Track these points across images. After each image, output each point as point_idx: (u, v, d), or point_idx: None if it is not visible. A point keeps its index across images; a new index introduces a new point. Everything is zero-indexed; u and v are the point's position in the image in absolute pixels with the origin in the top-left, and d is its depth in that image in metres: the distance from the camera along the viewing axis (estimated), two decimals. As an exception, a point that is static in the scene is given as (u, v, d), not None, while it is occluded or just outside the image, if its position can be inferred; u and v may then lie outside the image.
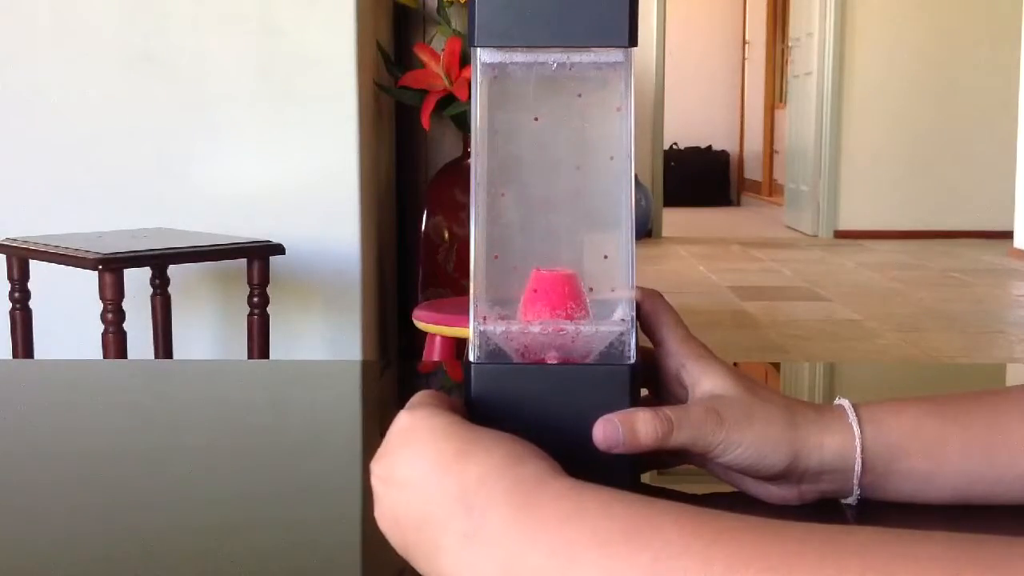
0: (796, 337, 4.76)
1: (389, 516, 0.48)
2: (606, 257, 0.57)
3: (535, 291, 0.55)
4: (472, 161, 0.55)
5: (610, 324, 0.55)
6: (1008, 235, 7.56)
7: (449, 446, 0.47)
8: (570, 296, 0.55)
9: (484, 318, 0.55)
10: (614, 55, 0.56)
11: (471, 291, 0.55)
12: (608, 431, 0.53)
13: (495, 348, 0.55)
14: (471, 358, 0.54)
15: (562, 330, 0.54)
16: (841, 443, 0.56)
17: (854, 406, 0.57)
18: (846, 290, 6.01)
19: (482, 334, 0.54)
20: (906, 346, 4.62)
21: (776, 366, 2.07)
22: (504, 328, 0.54)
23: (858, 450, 0.56)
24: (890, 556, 0.36)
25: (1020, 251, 7.35)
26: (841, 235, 8.30)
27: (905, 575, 0.35)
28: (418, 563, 0.47)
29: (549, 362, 0.55)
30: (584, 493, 0.43)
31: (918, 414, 0.58)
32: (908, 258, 7.37)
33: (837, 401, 0.58)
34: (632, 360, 0.55)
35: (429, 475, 0.46)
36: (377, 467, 0.49)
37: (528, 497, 0.44)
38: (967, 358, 4.47)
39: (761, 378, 1.10)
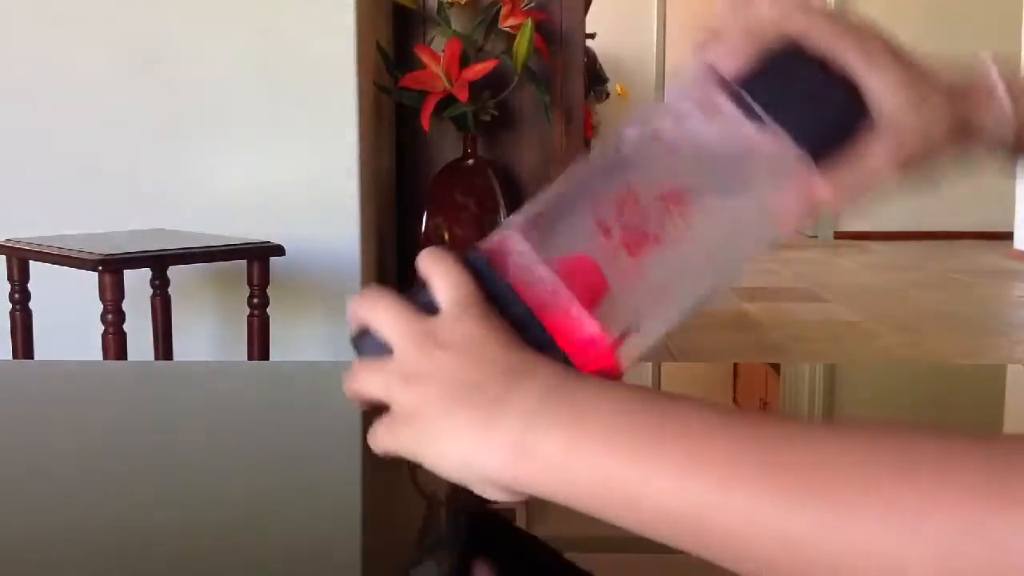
0: (796, 338, 4.76)
1: (437, 380, 0.48)
2: None
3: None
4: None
5: None
6: (1008, 236, 7.57)
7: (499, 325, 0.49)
8: None
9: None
10: None
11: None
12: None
13: None
14: None
15: None
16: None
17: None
18: (846, 291, 6.02)
19: None
20: (906, 347, 4.62)
21: (776, 367, 2.07)
22: None
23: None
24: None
25: (1020, 252, 7.35)
26: (841, 236, 8.31)
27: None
28: (461, 432, 0.47)
29: None
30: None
31: None
32: (908, 259, 7.37)
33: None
34: None
35: (486, 341, 0.48)
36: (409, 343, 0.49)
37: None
38: (968, 359, 4.47)
39: (761, 379, 1.10)
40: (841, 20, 0.53)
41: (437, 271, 0.50)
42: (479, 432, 0.46)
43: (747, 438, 0.41)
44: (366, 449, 0.51)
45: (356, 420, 0.87)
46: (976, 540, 0.34)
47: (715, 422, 0.42)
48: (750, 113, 0.51)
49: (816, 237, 8.32)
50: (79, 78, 2.83)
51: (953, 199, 8.36)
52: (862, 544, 0.36)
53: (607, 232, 0.50)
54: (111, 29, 2.82)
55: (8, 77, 2.84)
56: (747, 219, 0.53)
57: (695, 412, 0.43)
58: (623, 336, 0.50)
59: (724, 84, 0.52)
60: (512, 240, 0.50)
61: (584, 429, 0.44)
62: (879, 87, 0.52)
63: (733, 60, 0.52)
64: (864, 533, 0.36)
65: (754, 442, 0.40)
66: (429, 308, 0.50)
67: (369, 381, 0.51)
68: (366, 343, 0.52)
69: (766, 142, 0.51)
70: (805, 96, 0.53)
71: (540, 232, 0.50)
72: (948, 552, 0.34)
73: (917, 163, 0.55)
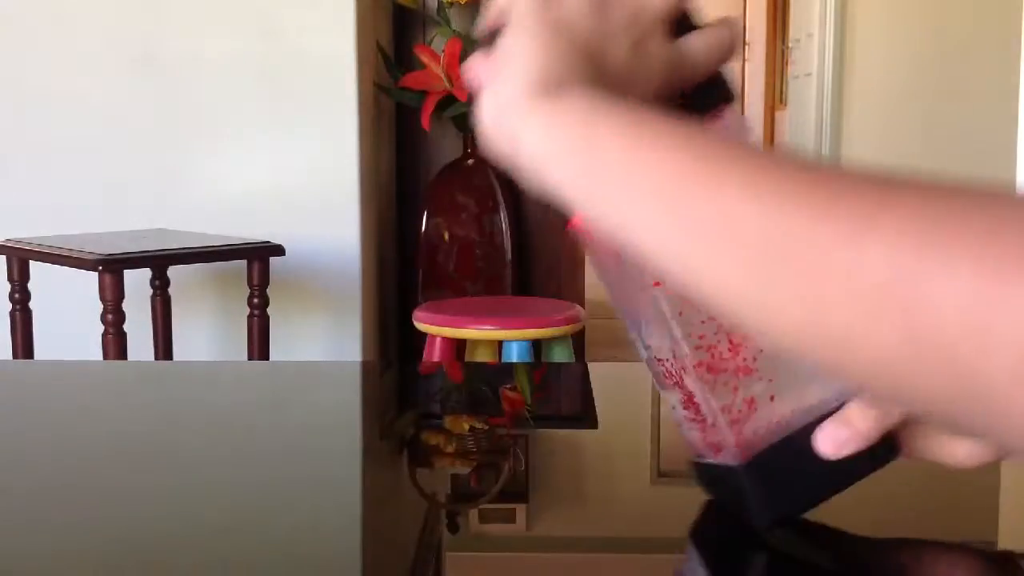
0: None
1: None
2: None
3: None
4: None
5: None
6: (1008, 236, 7.57)
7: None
8: None
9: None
10: None
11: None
12: (829, 434, 0.51)
13: None
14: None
15: None
16: None
17: None
18: (846, 291, 6.01)
19: None
20: (906, 347, 4.61)
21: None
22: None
23: None
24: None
25: (1020, 252, 7.36)
26: (841, 236, 8.30)
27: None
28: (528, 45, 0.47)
29: None
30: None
31: None
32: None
33: None
34: None
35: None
36: None
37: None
38: (967, 359, 4.45)
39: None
40: None
41: None
42: (537, 47, 0.46)
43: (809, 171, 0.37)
44: (366, 449, 0.51)
45: (356, 420, 0.87)
46: None
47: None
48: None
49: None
50: (79, 78, 2.83)
51: (953, 199, 8.37)
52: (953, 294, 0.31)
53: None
54: (111, 29, 2.82)
55: (8, 77, 2.84)
56: None
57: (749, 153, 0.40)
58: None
59: None
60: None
61: (625, 114, 0.43)
62: None
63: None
64: (957, 279, 0.31)
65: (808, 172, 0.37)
66: None
67: None
68: None
69: None
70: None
71: None
72: None
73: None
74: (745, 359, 0.54)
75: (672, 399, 0.57)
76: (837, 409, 0.53)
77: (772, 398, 0.54)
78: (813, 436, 0.53)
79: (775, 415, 0.54)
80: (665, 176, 0.39)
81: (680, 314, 0.52)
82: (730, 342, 0.53)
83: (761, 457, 0.53)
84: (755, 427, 0.54)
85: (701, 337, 0.53)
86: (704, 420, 0.55)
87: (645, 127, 0.41)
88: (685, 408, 0.56)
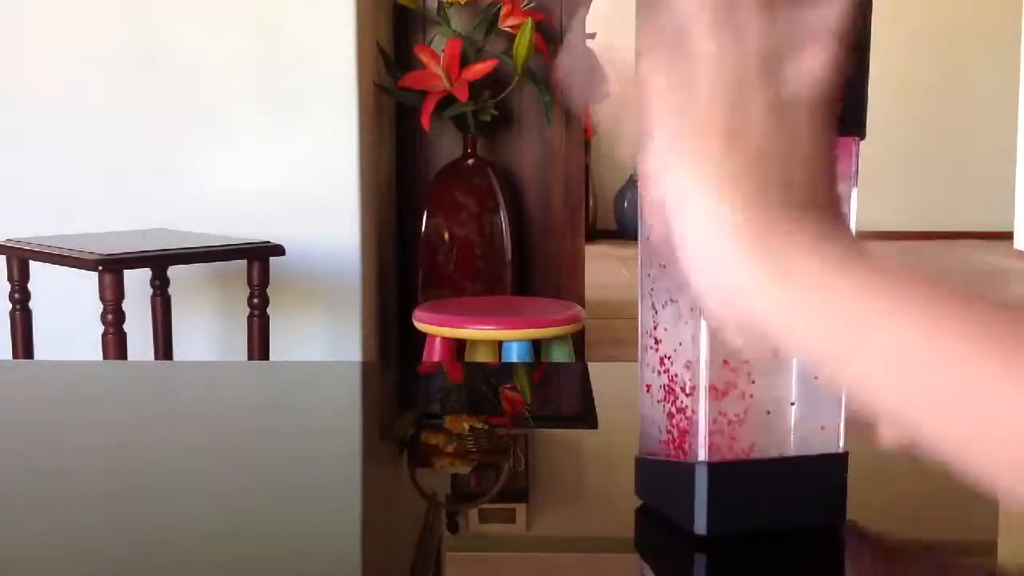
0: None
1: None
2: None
3: None
4: None
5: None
6: (1008, 236, 7.57)
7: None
8: None
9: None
10: None
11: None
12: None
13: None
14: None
15: None
16: None
17: None
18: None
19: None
20: (906, 347, 4.61)
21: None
22: None
23: None
24: None
25: (1020, 252, 7.35)
26: (841, 236, 8.29)
27: None
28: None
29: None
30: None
31: None
32: (908, 259, 7.36)
33: None
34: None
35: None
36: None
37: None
38: (967, 359, 4.46)
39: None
40: None
41: None
42: (729, 184, 0.39)
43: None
44: (366, 449, 0.51)
45: (356, 420, 0.87)
46: None
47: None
48: None
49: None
50: (79, 78, 2.83)
51: (953, 199, 8.37)
52: None
53: None
54: (111, 29, 2.82)
55: (9, 77, 2.84)
56: None
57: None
58: None
59: None
60: None
61: (858, 261, 0.39)
62: None
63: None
64: None
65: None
66: None
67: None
68: None
69: None
70: None
71: None
72: None
73: None
74: (752, 390, 0.55)
75: (653, 380, 0.57)
76: (816, 458, 0.55)
77: (756, 424, 0.55)
78: (782, 471, 0.54)
79: (754, 439, 0.55)
80: (904, 338, 0.37)
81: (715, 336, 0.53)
82: (751, 380, 0.55)
83: (727, 467, 0.53)
84: (732, 441, 0.54)
85: (725, 363, 0.54)
86: (684, 410, 0.55)
87: (879, 279, 0.39)
88: (666, 394, 0.56)
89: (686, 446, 0.55)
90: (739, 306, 0.40)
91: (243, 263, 2.44)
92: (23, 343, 2.48)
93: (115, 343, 2.22)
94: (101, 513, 0.60)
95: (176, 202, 2.83)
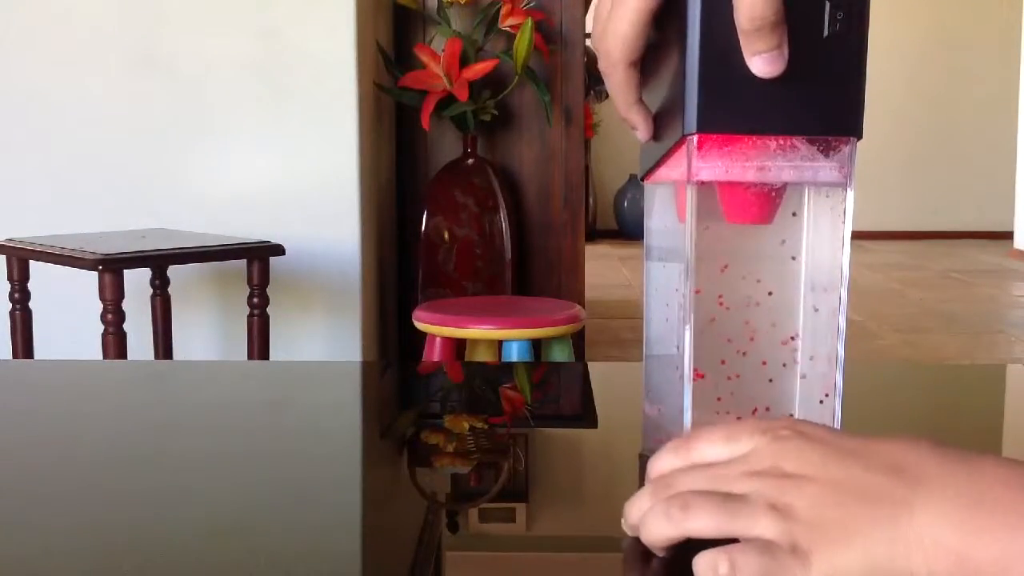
0: (796, 338, 4.75)
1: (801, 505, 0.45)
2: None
3: None
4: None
5: None
6: (1008, 236, 7.57)
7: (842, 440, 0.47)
8: None
9: None
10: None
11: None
12: None
13: None
14: None
15: None
16: None
17: None
18: (846, 291, 6.01)
19: None
20: (906, 346, 4.62)
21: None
22: None
23: None
24: None
25: (1020, 251, 7.35)
26: (841, 236, 8.30)
27: None
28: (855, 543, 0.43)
29: None
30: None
31: None
32: (908, 259, 7.37)
33: None
34: None
35: (830, 460, 0.46)
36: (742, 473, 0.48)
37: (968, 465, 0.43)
38: (967, 358, 4.46)
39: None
40: None
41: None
42: (889, 530, 0.43)
43: None
44: (366, 449, 0.51)
45: (356, 420, 0.87)
46: None
47: None
48: None
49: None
50: (79, 78, 2.83)
51: (953, 199, 8.37)
52: None
53: None
54: (111, 29, 2.82)
55: (8, 77, 2.84)
56: None
57: None
58: None
59: None
60: None
61: (991, 516, 0.42)
62: None
63: None
64: None
65: None
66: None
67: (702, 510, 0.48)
68: None
69: None
70: None
71: None
72: None
73: None
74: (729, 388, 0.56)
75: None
76: None
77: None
78: None
79: None
80: None
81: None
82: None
83: None
84: None
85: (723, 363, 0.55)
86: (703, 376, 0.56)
87: None
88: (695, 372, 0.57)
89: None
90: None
91: (243, 263, 2.44)
92: (23, 343, 2.48)
93: (115, 343, 2.22)
94: (101, 512, 0.60)
95: (176, 202, 2.83)
